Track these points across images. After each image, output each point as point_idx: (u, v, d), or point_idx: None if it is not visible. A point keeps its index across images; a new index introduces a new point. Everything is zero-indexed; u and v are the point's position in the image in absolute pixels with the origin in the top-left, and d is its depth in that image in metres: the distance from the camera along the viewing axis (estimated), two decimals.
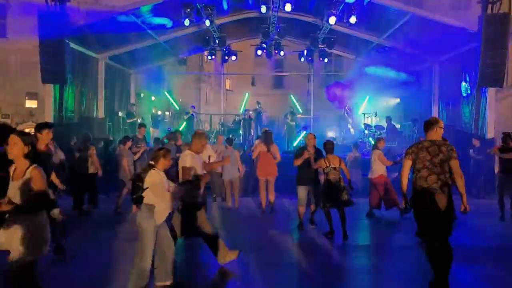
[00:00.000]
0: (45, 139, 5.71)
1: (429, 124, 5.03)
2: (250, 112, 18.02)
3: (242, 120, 17.48)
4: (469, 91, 13.43)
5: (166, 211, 4.71)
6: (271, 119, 20.69)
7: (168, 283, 4.75)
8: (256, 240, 7.25)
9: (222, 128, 18.54)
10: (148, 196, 4.57)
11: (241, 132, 17.33)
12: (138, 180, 4.60)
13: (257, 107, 18.78)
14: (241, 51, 19.26)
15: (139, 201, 4.58)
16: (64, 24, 11.71)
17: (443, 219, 4.65)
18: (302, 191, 7.72)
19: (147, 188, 4.55)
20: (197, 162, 5.44)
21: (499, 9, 11.63)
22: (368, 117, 17.97)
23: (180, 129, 16.42)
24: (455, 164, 4.76)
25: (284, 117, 18.43)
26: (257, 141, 10.79)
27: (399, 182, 5.01)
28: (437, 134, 5.00)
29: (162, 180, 4.65)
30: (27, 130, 13.79)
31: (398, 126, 17.17)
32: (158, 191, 4.58)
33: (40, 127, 5.74)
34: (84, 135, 9.78)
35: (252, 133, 16.98)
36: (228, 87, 27.69)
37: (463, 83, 13.72)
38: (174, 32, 15.92)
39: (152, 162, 4.68)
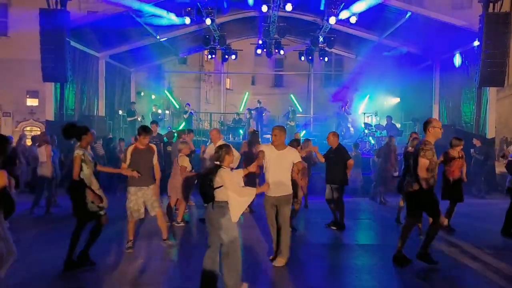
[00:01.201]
0: (142, 142, 6.18)
1: (423, 125, 5.65)
2: (252, 110, 18.14)
3: (244, 121, 17.67)
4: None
5: (242, 207, 4.70)
6: (271, 118, 20.71)
7: None
8: (250, 239, 7.24)
9: (222, 127, 18.58)
10: (221, 194, 4.57)
11: (241, 132, 17.37)
12: (207, 180, 4.57)
13: (258, 106, 18.81)
14: (241, 50, 19.26)
15: (210, 199, 4.57)
16: (65, 23, 11.73)
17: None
18: (327, 190, 7.86)
19: (220, 187, 4.54)
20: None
21: (500, 9, 11.63)
22: (368, 117, 17.98)
23: (180, 128, 16.46)
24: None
25: (284, 116, 18.46)
26: (244, 142, 10.76)
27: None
28: (429, 134, 5.53)
29: (233, 176, 4.69)
30: (27, 128, 13.82)
31: (398, 125, 17.19)
32: (235, 187, 4.60)
33: (138, 131, 6.28)
34: None
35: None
36: (228, 86, 27.65)
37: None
38: (175, 31, 15.93)
39: (218, 162, 4.65)
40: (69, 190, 5.39)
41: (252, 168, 5.20)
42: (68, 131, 5.37)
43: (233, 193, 4.57)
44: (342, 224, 7.88)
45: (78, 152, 5.30)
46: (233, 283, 4.60)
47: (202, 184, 4.64)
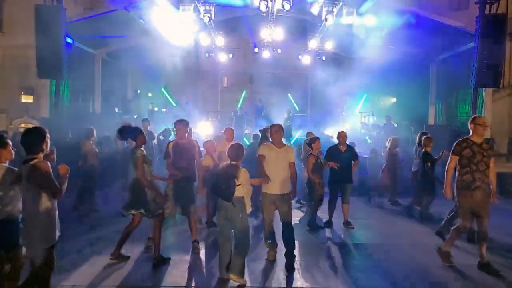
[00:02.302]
0: (180, 133, 6.24)
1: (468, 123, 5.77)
2: (242, 109, 18.19)
3: (234, 118, 17.66)
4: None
5: (249, 205, 5.12)
6: (268, 117, 20.65)
7: (241, 281, 5.00)
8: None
9: (219, 125, 18.53)
10: (240, 191, 4.96)
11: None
12: (230, 177, 4.88)
13: (258, 104, 18.80)
14: (239, 48, 19.19)
15: (231, 197, 4.89)
16: (61, 19, 11.63)
17: None
18: (334, 190, 7.91)
19: (240, 184, 4.94)
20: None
21: (497, 10, 11.63)
22: (365, 116, 17.99)
23: None
24: None
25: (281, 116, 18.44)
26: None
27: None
28: (472, 131, 5.72)
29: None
30: (22, 125, 13.76)
31: (395, 125, 17.21)
32: (248, 186, 5.04)
33: (175, 123, 6.40)
34: (86, 130, 9.67)
35: (245, 131, 17.05)
36: (225, 85, 27.56)
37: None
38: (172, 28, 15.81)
39: (234, 162, 5.04)
40: (132, 188, 5.60)
41: (255, 182, 5.51)
42: (124, 132, 5.62)
43: (246, 193, 5.03)
44: (348, 222, 7.96)
45: (140, 152, 5.52)
46: (238, 270, 4.94)
47: (222, 182, 4.89)
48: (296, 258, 6.10)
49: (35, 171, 3.66)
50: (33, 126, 4.02)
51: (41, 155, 3.81)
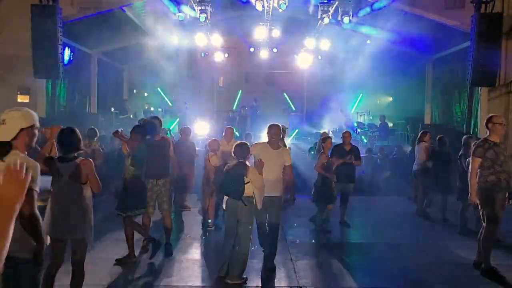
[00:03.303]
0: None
1: (485, 123, 5.49)
2: (246, 108, 18.11)
3: (237, 117, 17.57)
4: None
5: (261, 199, 5.15)
6: (265, 117, 20.64)
7: (239, 281, 5.04)
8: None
9: (216, 125, 18.51)
10: (249, 190, 5.00)
11: (235, 129, 17.31)
12: (239, 175, 4.97)
13: (254, 104, 18.78)
14: (234, 48, 19.16)
15: (240, 195, 4.97)
16: (57, 19, 11.59)
17: None
18: (337, 190, 7.83)
19: (249, 182, 4.98)
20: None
21: (493, 9, 11.67)
22: (361, 115, 18.03)
23: (173, 126, 16.41)
24: None
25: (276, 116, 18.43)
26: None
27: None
28: (490, 131, 5.41)
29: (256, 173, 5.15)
30: None
31: (390, 124, 17.26)
32: (259, 183, 5.02)
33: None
34: (90, 129, 9.62)
35: (247, 130, 16.97)
36: (221, 84, 27.53)
37: None
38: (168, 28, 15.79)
39: (242, 160, 5.12)
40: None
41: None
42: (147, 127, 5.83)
43: (257, 189, 5.02)
44: (345, 221, 8.00)
45: None
46: (237, 272, 4.97)
47: (232, 181, 4.96)
48: (293, 258, 6.14)
49: (84, 168, 4.00)
50: (68, 126, 4.18)
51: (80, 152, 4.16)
